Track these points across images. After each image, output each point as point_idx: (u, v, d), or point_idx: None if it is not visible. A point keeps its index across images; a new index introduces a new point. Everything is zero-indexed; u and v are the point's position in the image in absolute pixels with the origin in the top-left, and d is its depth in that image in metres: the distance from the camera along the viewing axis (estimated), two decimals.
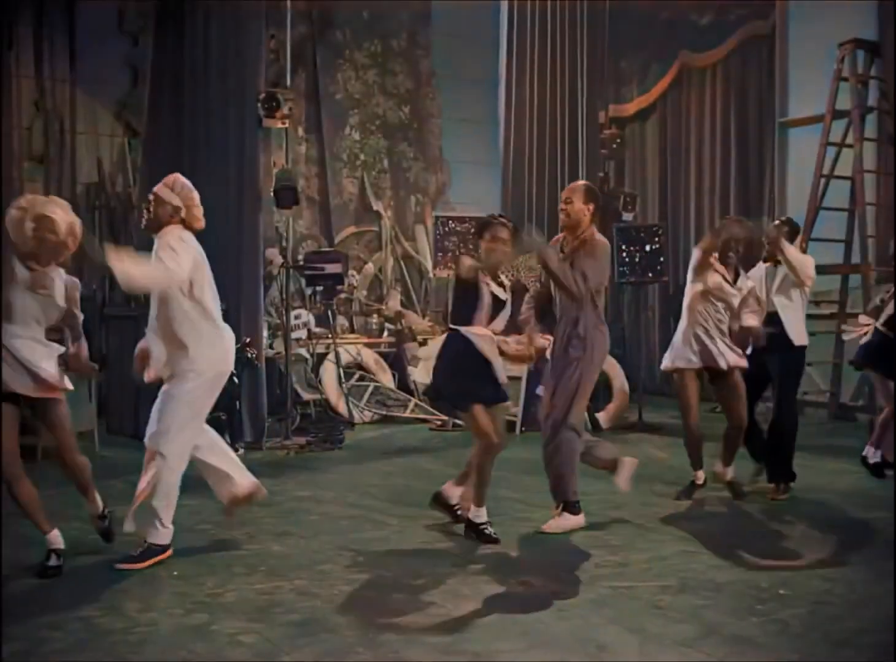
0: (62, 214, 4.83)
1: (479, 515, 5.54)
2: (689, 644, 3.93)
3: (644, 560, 5.11)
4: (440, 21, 12.73)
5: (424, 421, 10.16)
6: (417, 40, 12.77)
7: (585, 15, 11.71)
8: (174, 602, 4.41)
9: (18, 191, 9.18)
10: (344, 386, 10.04)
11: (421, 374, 10.30)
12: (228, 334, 5.32)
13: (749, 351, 6.70)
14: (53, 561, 4.88)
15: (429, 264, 12.18)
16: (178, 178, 5.27)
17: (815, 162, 10.61)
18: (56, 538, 4.94)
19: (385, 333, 11.60)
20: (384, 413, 10.35)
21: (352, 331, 11.59)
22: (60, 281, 4.94)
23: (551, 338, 5.84)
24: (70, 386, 5.04)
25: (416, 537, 5.65)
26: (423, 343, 11.08)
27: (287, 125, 9.08)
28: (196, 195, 5.24)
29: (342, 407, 9.97)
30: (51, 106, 10.21)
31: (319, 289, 10.48)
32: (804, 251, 10.34)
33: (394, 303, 11.88)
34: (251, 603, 4.39)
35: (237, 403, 8.48)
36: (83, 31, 10.33)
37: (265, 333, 9.45)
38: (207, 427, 5.39)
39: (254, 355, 8.53)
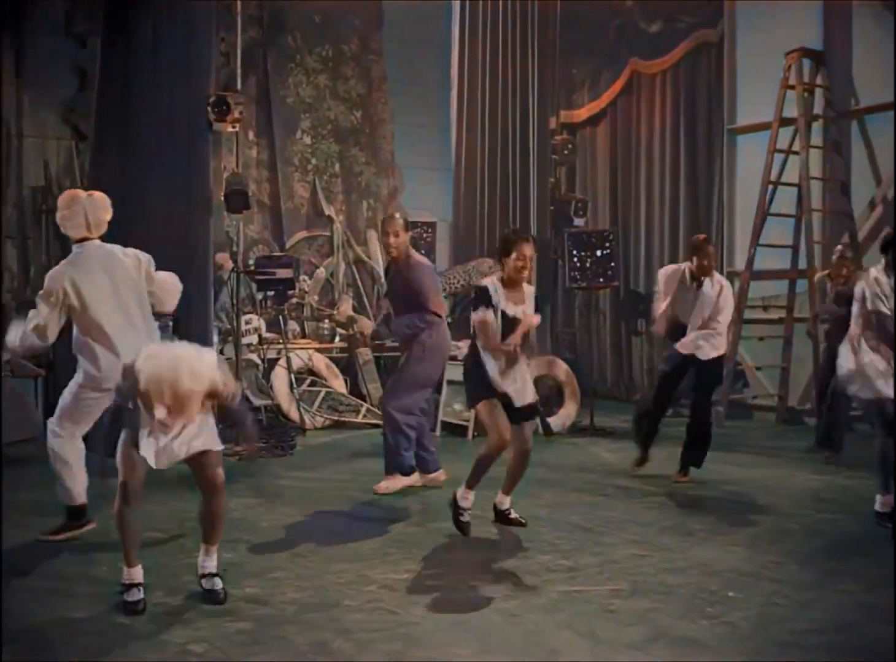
0: None
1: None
2: (639, 647, 3.95)
3: (595, 564, 5.13)
4: (392, 26, 12.72)
5: (376, 426, 10.12)
6: (369, 45, 12.75)
7: (536, 18, 11.74)
8: (121, 612, 4.34)
9: None
10: (295, 391, 9.97)
11: None
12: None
13: None
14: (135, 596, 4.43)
15: (381, 269, 12.15)
16: None
17: (763, 168, 10.75)
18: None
19: (337, 338, 11.55)
20: (336, 418, 10.31)
21: (303, 336, 11.53)
22: None
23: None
24: None
25: (367, 543, 5.62)
26: (375, 349, 11.04)
27: (237, 129, 9.03)
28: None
29: (294, 413, 9.90)
30: None
31: (270, 293, 10.44)
32: (749, 259, 10.48)
33: (346, 307, 11.82)
34: (201, 612, 4.34)
35: None
36: (29, 32, 10.18)
37: (215, 339, 9.36)
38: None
39: None
